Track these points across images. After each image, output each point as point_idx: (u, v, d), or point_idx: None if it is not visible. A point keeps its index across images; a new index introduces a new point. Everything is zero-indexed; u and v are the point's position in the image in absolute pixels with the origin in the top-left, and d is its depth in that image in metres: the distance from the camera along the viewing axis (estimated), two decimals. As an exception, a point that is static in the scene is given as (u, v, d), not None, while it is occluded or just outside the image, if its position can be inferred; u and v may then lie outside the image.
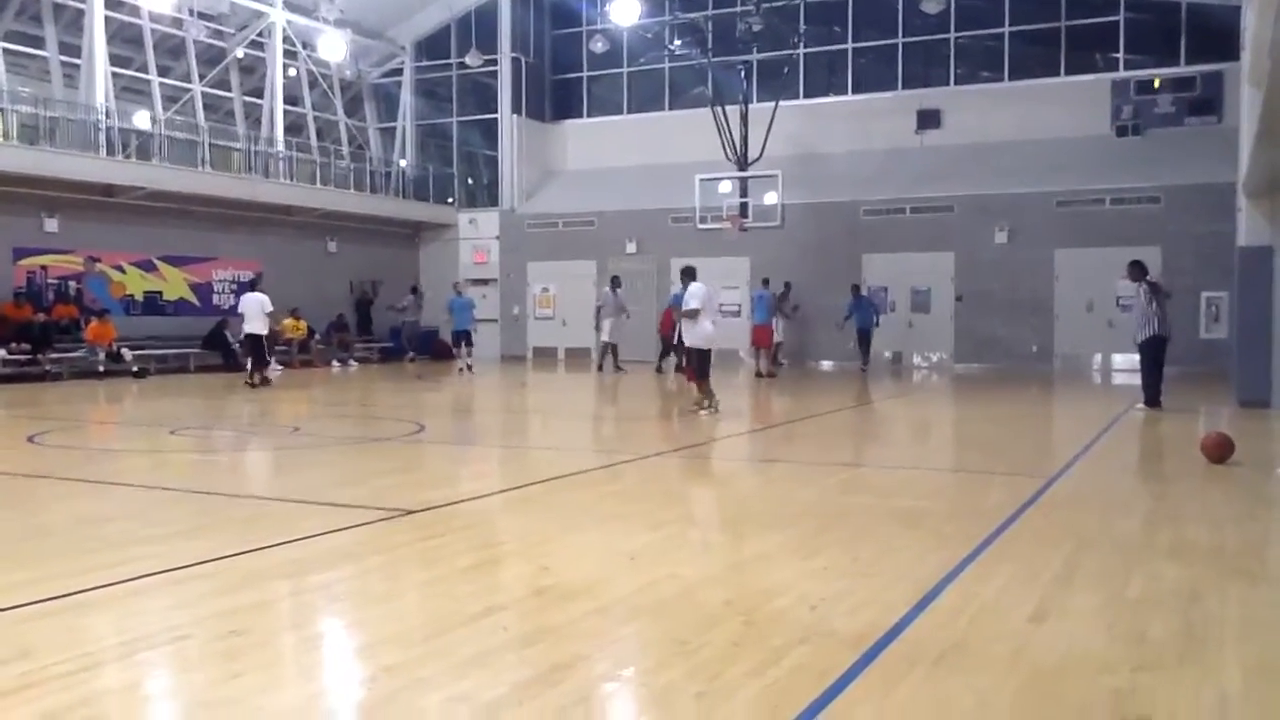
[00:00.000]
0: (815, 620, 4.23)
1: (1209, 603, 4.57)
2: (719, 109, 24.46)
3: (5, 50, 21.74)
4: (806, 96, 26.37)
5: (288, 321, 23.71)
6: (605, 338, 22.37)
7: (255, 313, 17.90)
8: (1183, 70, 23.11)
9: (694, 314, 12.61)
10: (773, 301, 21.11)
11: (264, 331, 18.13)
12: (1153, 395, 12.92)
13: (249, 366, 18.38)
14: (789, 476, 8.46)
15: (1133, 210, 22.26)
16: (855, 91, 26.33)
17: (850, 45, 26.41)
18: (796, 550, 5.54)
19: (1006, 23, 24.77)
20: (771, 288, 21.52)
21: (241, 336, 18.99)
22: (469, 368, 21.70)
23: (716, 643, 3.95)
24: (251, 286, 19.40)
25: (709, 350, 12.90)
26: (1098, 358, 22.58)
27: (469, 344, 22.03)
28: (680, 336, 13.82)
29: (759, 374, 20.13)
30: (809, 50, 26.40)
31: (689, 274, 13.17)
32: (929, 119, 25.07)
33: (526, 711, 3.28)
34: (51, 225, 20.64)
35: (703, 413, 12.53)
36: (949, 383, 20.38)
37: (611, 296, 22.28)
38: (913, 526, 6.21)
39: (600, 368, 22.40)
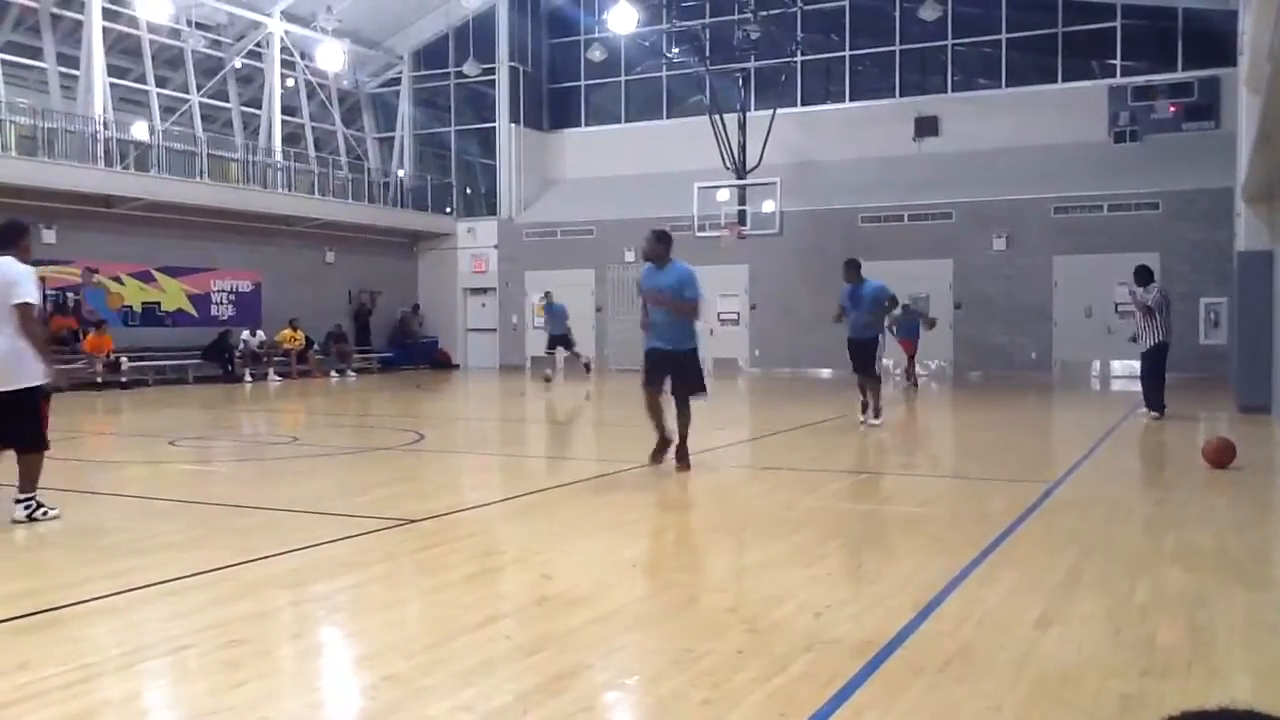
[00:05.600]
0: (819, 627, 4.21)
1: (1215, 608, 4.54)
2: (717, 117, 24.48)
3: (3, 61, 21.74)
4: (804, 104, 26.39)
5: (286, 332, 23.70)
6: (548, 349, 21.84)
7: None
8: (1180, 76, 23.14)
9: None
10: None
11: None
12: (1159, 401, 12.77)
13: None
14: (789, 484, 8.43)
15: (1131, 216, 22.28)
16: (853, 99, 26.37)
17: (848, 53, 26.45)
18: (799, 557, 5.52)
19: (1003, 29, 24.81)
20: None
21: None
22: (549, 378, 21.24)
23: (720, 651, 3.92)
24: None
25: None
26: (1097, 364, 22.57)
27: (566, 348, 21.72)
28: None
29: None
30: (806, 58, 26.44)
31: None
32: (926, 126, 25.11)
33: (530, 721, 3.25)
34: (50, 236, 20.60)
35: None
36: (948, 390, 20.36)
37: (549, 310, 21.81)
38: (915, 533, 6.18)
39: (548, 379, 21.30)
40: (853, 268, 12.40)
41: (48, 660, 3.85)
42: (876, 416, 12.30)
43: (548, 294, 22.53)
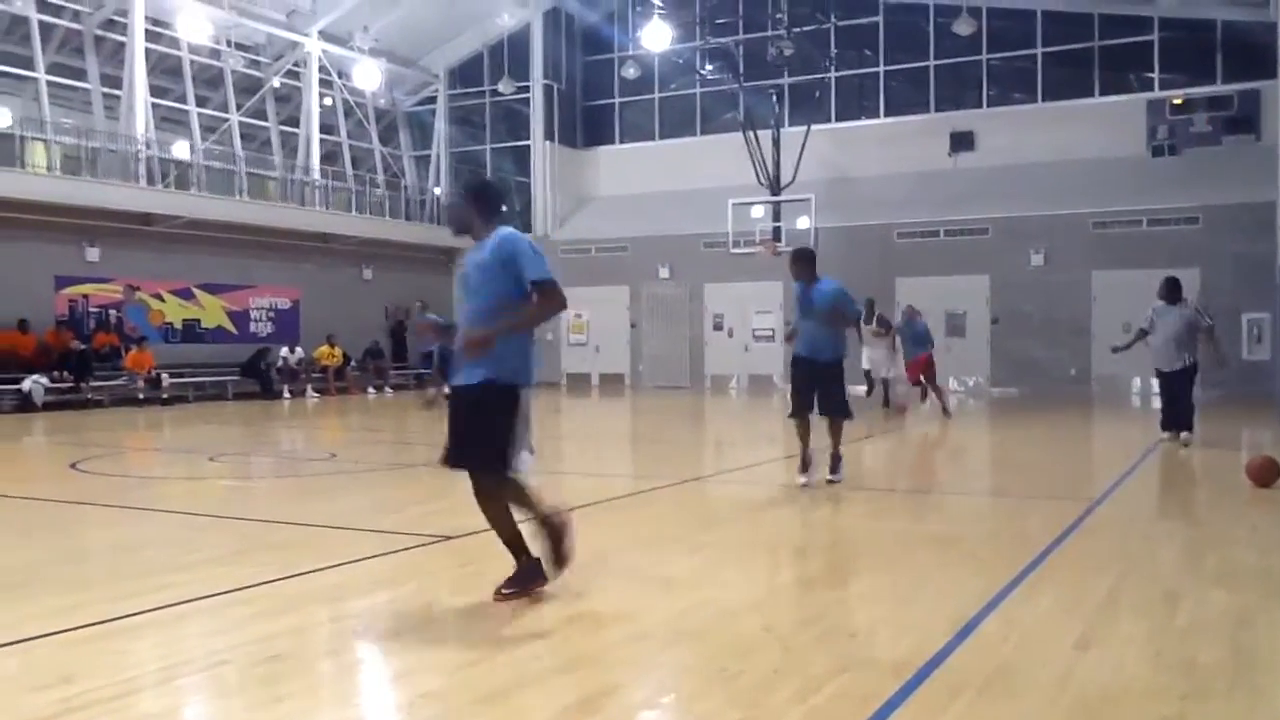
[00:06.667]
0: (855, 647, 4.18)
1: (1258, 628, 4.47)
2: (751, 133, 24.51)
3: (49, 82, 22.16)
4: (838, 120, 26.37)
5: (323, 349, 23.93)
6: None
7: None
8: (1219, 89, 22.93)
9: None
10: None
11: None
12: (1189, 420, 12.21)
13: None
14: (823, 502, 8.39)
15: (1171, 231, 22.05)
16: (887, 114, 26.31)
17: (882, 68, 26.41)
18: (833, 577, 5.49)
19: (1039, 44, 24.70)
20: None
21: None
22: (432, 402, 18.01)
23: (756, 670, 3.91)
24: None
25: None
26: (1137, 381, 22.30)
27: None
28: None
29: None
30: (840, 74, 26.42)
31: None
32: (962, 141, 25.02)
33: (565, 739, 3.26)
34: (93, 254, 20.97)
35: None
36: (985, 406, 20.19)
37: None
38: (951, 552, 6.14)
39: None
40: (803, 260, 8.80)
41: (91, 674, 3.90)
42: (835, 470, 8.81)
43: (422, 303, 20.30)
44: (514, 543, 5.02)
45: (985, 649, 4.14)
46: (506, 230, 5.09)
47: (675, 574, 5.53)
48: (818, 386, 8.71)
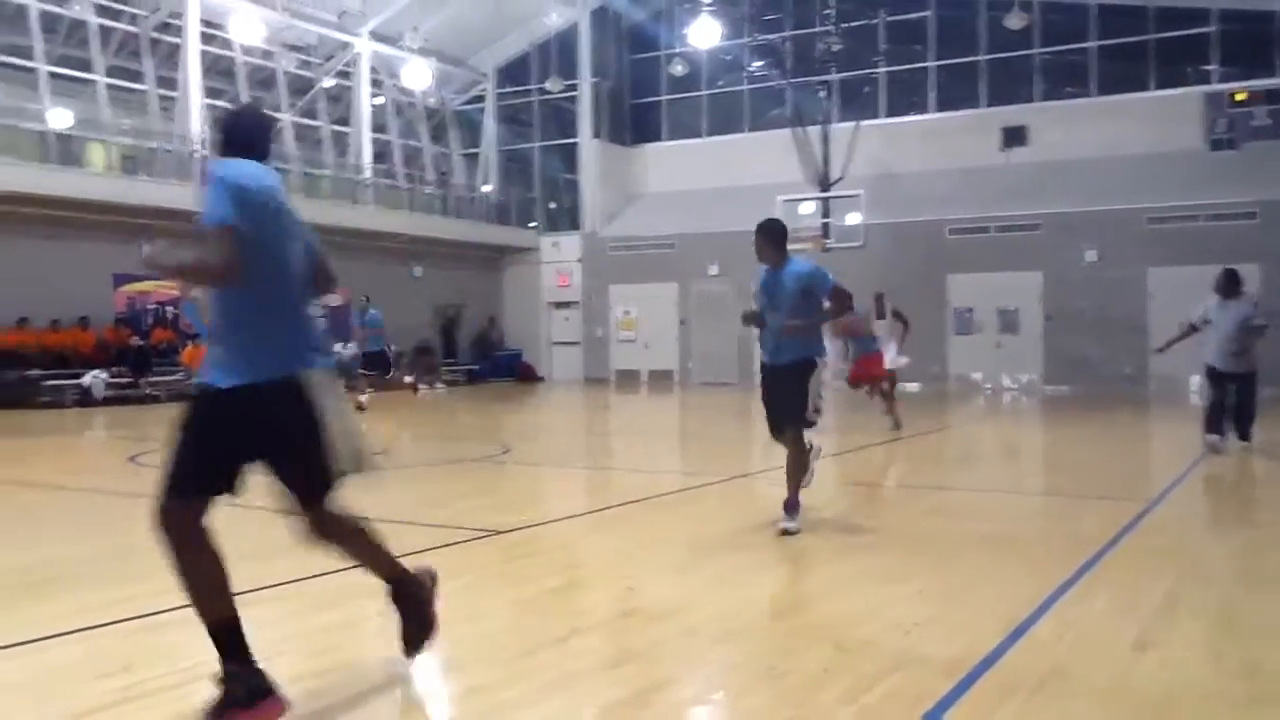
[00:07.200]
0: (907, 646, 4.14)
1: (1323, 633, 4.37)
2: (799, 130, 24.38)
3: (107, 85, 22.58)
4: (888, 115, 26.15)
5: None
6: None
7: None
8: (1278, 82, 22.42)
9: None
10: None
11: None
12: (1247, 429, 10.96)
13: None
14: (873, 500, 8.34)
15: (1228, 227, 21.61)
16: (937, 110, 26.05)
17: (932, 63, 26.15)
18: (884, 575, 5.44)
19: (1093, 37, 24.32)
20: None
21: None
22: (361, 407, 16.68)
23: (806, 668, 3.88)
24: None
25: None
26: (1195, 379, 21.85)
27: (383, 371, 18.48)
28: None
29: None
30: (890, 69, 26.20)
31: None
32: (1014, 136, 24.71)
33: (615, 734, 3.26)
34: (149, 252, 21.30)
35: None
36: (1037, 405, 19.93)
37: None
38: (1003, 552, 6.06)
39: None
40: (770, 236, 6.86)
41: (150, 663, 3.97)
42: (792, 511, 6.53)
43: (365, 298, 19.16)
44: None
45: (1039, 650, 4.08)
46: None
47: (723, 570, 5.52)
48: (782, 398, 6.62)
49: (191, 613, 3.47)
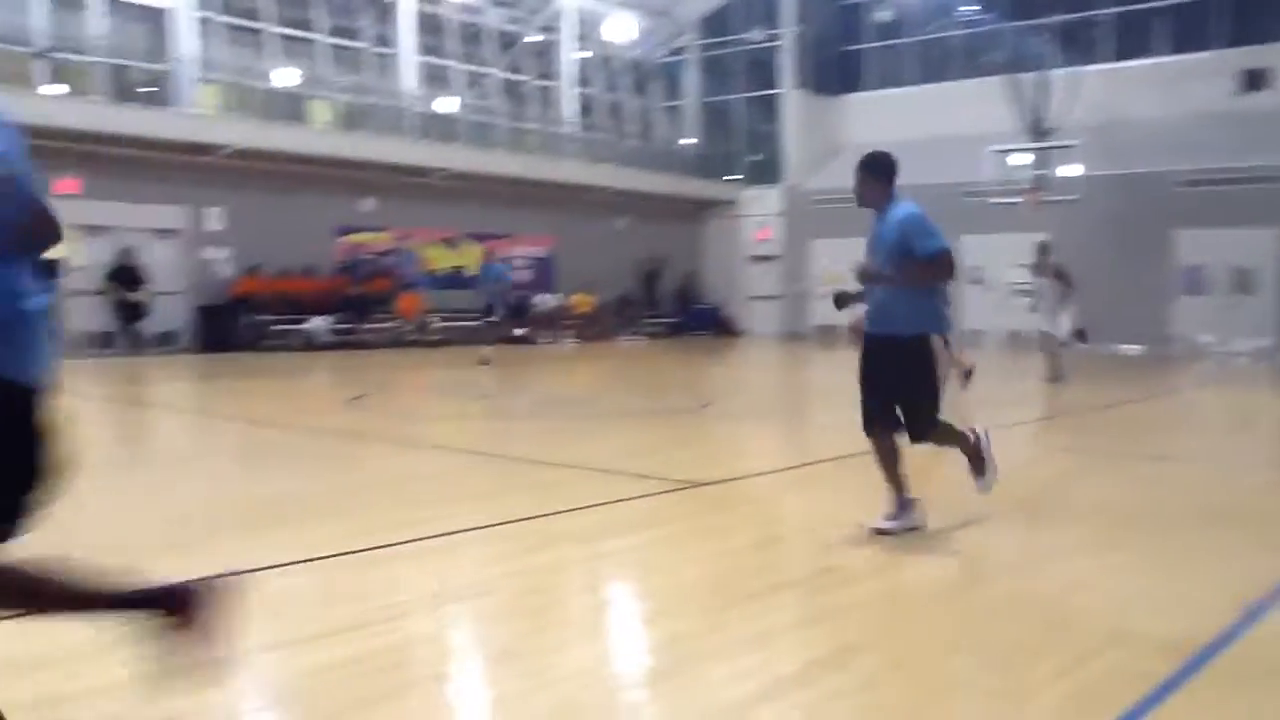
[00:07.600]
0: (1121, 621, 3.94)
1: None
2: (1014, 77, 23.22)
3: (328, 44, 23.71)
4: (1112, 60, 24.56)
5: (578, 296, 24.82)
6: None
7: None
8: None
9: None
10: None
11: None
12: None
13: None
14: (1084, 468, 7.94)
15: None
16: (1167, 52, 24.26)
17: (1161, 1, 24.34)
18: (1097, 546, 5.19)
19: (1354, -32, 22.07)
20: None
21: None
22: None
23: (1011, 637, 3.76)
24: None
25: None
26: None
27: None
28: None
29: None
30: (1117, 9, 24.56)
31: None
32: (1255, 79, 22.76)
33: (815, 693, 3.25)
34: (368, 205, 22.42)
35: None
36: (1274, 371, 18.50)
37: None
38: (1232, 527, 5.67)
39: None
40: (873, 169, 5.47)
41: (369, 595, 4.22)
42: (897, 513, 5.34)
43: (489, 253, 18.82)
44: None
45: (1275, 633, 3.81)
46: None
47: (928, 533, 5.38)
48: (887, 381, 5.28)
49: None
